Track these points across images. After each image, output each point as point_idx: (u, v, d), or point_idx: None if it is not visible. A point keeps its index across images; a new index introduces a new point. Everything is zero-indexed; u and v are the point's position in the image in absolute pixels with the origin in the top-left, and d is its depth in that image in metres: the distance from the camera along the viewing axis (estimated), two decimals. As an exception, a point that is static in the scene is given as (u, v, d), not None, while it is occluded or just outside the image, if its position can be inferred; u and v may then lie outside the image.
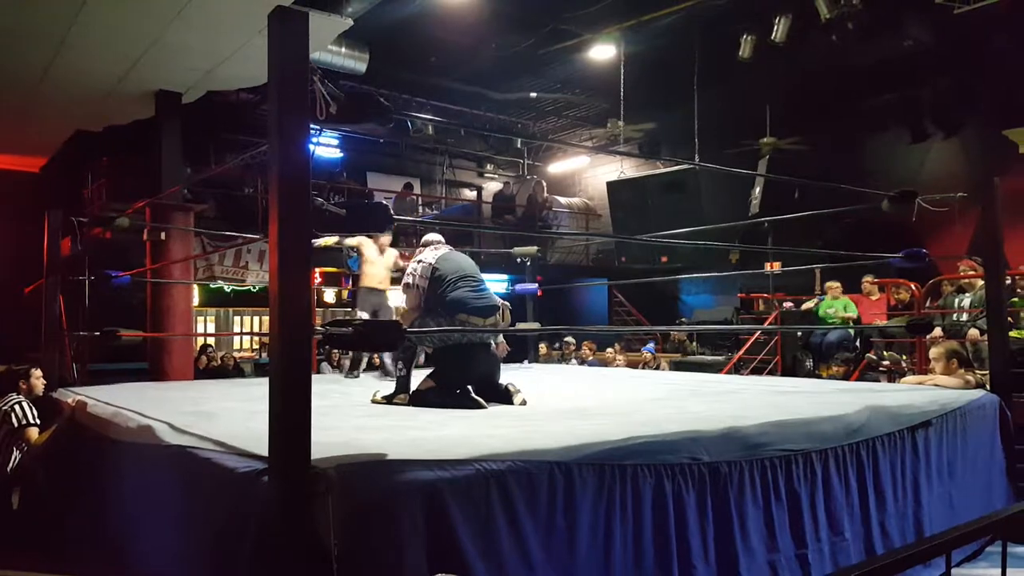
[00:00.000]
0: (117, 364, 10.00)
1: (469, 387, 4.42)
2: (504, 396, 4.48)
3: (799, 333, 9.93)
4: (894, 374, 8.27)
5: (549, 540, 2.61)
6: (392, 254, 6.96)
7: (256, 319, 15.54)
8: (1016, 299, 7.10)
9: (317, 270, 13.12)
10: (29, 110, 10.90)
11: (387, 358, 6.58)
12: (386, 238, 6.86)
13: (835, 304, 9.72)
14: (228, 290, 14.28)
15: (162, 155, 10.22)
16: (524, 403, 4.40)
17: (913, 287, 8.37)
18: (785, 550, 3.32)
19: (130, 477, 3.47)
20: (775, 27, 11.03)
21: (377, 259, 6.79)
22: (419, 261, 4.64)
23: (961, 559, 3.98)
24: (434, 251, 4.70)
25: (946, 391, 4.90)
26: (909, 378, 6.47)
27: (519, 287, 8.95)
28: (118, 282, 5.80)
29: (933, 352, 5.72)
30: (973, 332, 7.20)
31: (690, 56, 12.54)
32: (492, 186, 19.42)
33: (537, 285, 8.68)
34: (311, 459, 2.26)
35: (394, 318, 5.90)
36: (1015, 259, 9.58)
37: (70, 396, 4.76)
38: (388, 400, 4.56)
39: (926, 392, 4.83)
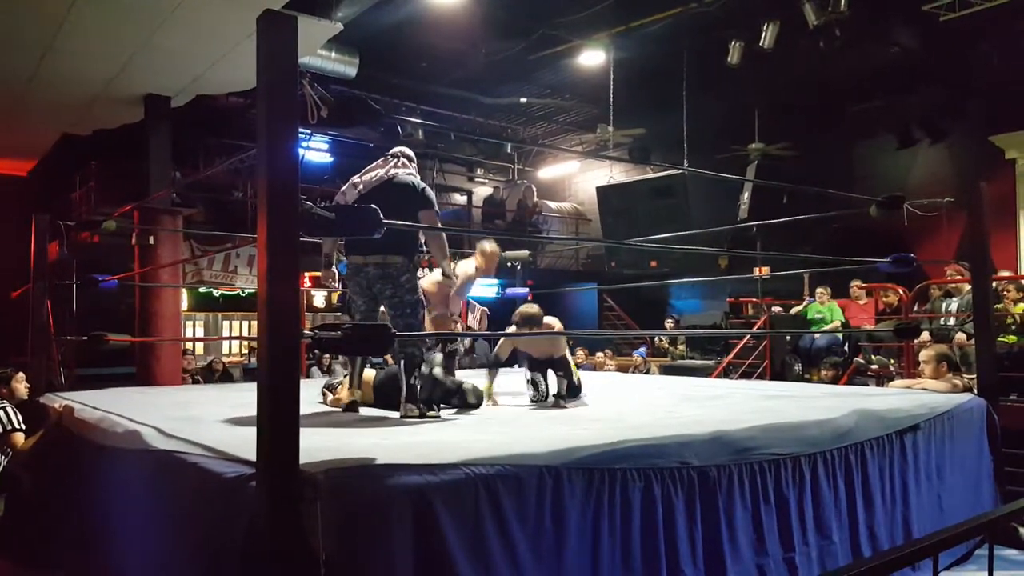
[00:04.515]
0: (105, 369, 9.95)
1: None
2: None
3: (788, 337, 9.97)
4: (882, 378, 8.31)
5: (538, 544, 2.60)
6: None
7: (245, 323, 15.49)
8: (999, 304, 7.14)
9: (306, 274, 13.08)
10: (17, 114, 10.86)
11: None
12: None
13: (823, 310, 9.79)
14: (217, 295, 14.23)
15: (150, 159, 10.19)
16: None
17: (901, 291, 8.41)
18: (773, 553, 3.32)
19: (117, 482, 3.45)
20: (763, 34, 11.07)
21: None
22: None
23: (950, 562, 3.99)
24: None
25: (934, 395, 4.93)
26: (897, 382, 6.50)
27: (509, 291, 8.96)
28: (106, 286, 5.77)
29: (923, 355, 5.75)
30: (960, 336, 7.25)
31: (679, 62, 12.59)
32: (482, 191, 19.43)
33: (527, 289, 8.69)
34: (299, 464, 2.25)
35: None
36: (1003, 264, 9.66)
37: (57, 401, 4.73)
38: (422, 414, 3.98)
39: (914, 396, 4.85)
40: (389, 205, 3.44)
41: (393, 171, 4.27)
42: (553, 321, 5.15)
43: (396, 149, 4.44)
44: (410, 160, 4.41)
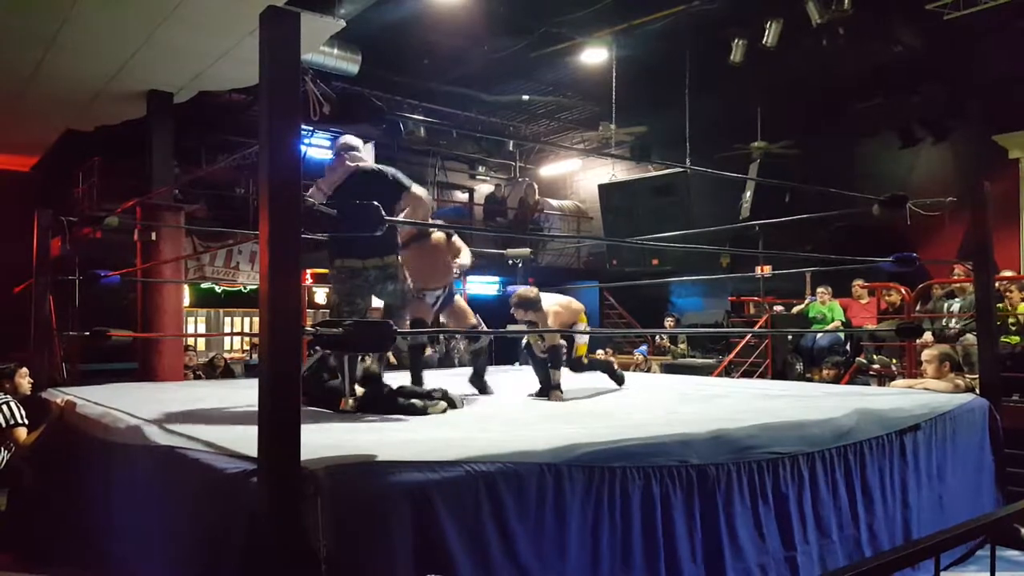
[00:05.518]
0: (107, 364, 9.96)
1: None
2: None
3: (789, 336, 9.95)
4: (884, 378, 8.30)
5: (537, 541, 2.61)
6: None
7: (247, 320, 15.50)
8: (1001, 304, 7.13)
9: (308, 271, 13.09)
10: (19, 109, 10.86)
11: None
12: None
13: (823, 309, 9.77)
14: (219, 291, 14.25)
15: (153, 155, 10.20)
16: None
17: (903, 291, 8.40)
18: (773, 552, 3.32)
19: (119, 477, 3.46)
20: (766, 31, 11.06)
21: None
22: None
23: (950, 563, 3.99)
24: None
25: (936, 395, 4.93)
26: (899, 382, 6.50)
27: (510, 288, 8.95)
28: (108, 282, 5.76)
29: (926, 355, 5.74)
30: (969, 336, 7.24)
31: (682, 60, 12.58)
32: (484, 188, 19.41)
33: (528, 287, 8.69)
34: (300, 460, 2.25)
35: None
36: (1006, 264, 9.65)
37: (59, 396, 4.74)
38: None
39: (916, 396, 4.85)
40: (368, 196, 3.41)
41: (356, 162, 4.23)
42: (554, 307, 5.12)
43: (341, 141, 4.35)
44: (356, 148, 4.33)
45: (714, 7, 10.77)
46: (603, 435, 3.03)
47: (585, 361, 5.21)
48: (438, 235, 5.09)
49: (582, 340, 5.21)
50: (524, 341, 5.46)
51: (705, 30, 11.62)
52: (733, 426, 3.43)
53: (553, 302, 5.14)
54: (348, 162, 4.24)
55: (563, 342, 5.03)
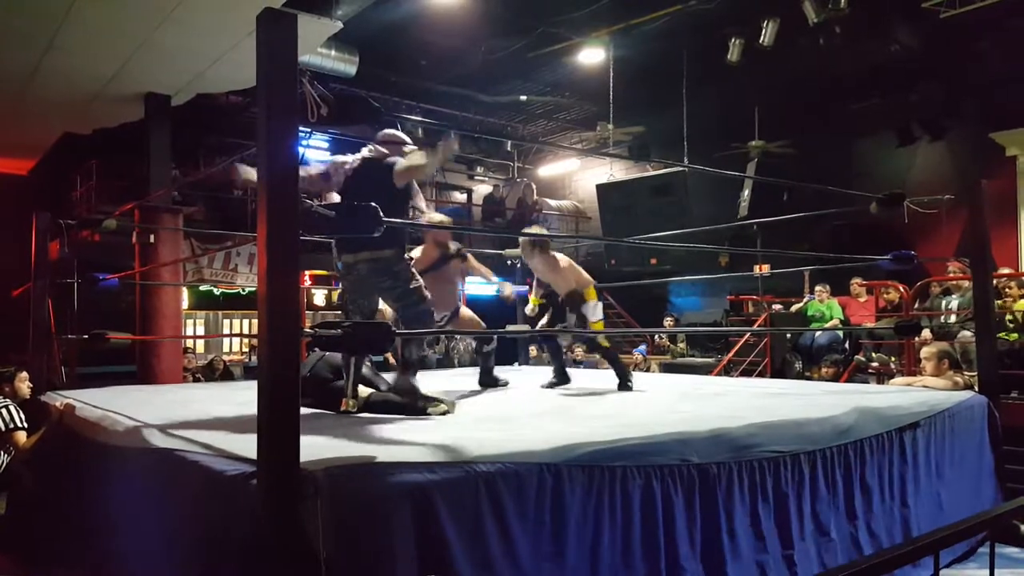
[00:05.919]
0: (106, 367, 9.94)
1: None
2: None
3: (788, 335, 9.96)
4: (883, 376, 8.31)
5: (538, 541, 2.61)
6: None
7: (246, 322, 15.48)
8: (1000, 301, 7.13)
9: (306, 272, 13.09)
10: (17, 112, 10.85)
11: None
12: None
13: (822, 308, 9.78)
14: (217, 293, 14.24)
15: (151, 157, 10.18)
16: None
17: (901, 289, 8.40)
18: (773, 551, 3.33)
19: (118, 480, 3.45)
20: (763, 31, 11.06)
21: None
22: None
23: (951, 560, 4.00)
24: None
25: (935, 392, 4.94)
26: (898, 379, 6.50)
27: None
28: (106, 285, 5.77)
29: (924, 352, 5.75)
30: (965, 333, 7.25)
31: (679, 60, 12.57)
32: (482, 188, 19.40)
33: (527, 287, 8.69)
34: (300, 462, 2.25)
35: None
36: (1004, 261, 9.66)
37: (58, 399, 4.74)
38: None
39: (915, 393, 4.86)
40: (367, 189, 3.38)
41: (366, 154, 4.17)
42: (564, 257, 5.31)
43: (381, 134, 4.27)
44: (389, 143, 4.21)
45: (711, 7, 10.75)
46: (603, 434, 3.03)
47: (606, 344, 5.32)
48: (457, 263, 5.22)
49: (596, 317, 5.27)
50: (531, 309, 5.48)
51: (702, 30, 11.62)
52: (733, 425, 3.43)
53: (562, 257, 5.33)
54: (355, 154, 4.19)
55: (579, 290, 5.11)
